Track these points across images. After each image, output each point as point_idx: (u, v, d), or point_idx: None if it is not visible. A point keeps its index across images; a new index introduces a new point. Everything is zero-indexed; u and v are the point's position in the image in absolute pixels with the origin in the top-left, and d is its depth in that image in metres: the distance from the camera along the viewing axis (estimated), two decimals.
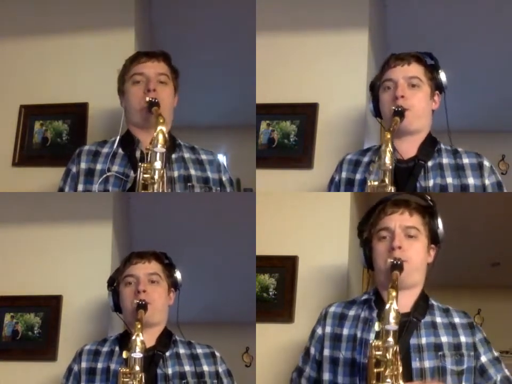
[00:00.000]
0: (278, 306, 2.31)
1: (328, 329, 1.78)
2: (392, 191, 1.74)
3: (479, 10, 2.87)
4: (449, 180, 1.85)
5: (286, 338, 2.21)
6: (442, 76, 1.93)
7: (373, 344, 1.56)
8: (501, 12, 2.84)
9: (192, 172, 2.00)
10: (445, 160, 1.89)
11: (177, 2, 2.86)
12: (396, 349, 1.55)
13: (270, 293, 2.33)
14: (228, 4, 2.80)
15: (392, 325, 1.52)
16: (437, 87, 1.93)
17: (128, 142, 1.98)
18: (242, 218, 2.45)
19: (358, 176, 1.92)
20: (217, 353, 1.93)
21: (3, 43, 2.51)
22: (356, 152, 2.00)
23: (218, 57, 3.10)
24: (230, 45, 2.96)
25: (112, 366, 1.83)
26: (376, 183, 1.74)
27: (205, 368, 1.88)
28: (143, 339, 1.69)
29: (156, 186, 1.80)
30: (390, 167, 1.71)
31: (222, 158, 2.10)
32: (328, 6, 2.45)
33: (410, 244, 1.72)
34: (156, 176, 1.79)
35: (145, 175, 1.81)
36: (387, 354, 1.54)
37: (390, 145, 1.72)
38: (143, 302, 1.82)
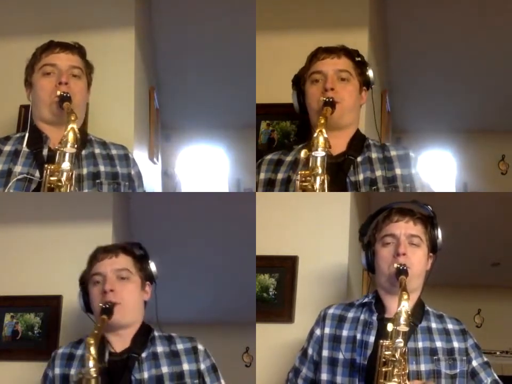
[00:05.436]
0: (278, 306, 2.31)
1: (327, 330, 1.78)
2: (325, 180, 1.69)
3: (480, 11, 2.87)
4: (378, 173, 1.87)
5: (286, 338, 2.20)
6: (370, 72, 1.94)
7: (383, 344, 1.57)
8: (501, 12, 2.84)
9: (102, 168, 1.90)
10: (373, 155, 1.89)
11: (177, 2, 2.86)
12: (405, 349, 1.57)
13: (270, 293, 2.33)
14: (228, 3, 2.81)
15: (403, 326, 1.54)
16: (365, 83, 1.94)
17: (35, 139, 1.85)
18: (242, 218, 2.45)
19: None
20: (200, 347, 1.77)
21: (3, 43, 2.51)
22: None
23: (218, 57, 3.10)
24: (230, 45, 2.96)
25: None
26: (307, 171, 1.69)
27: (185, 366, 1.73)
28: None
29: (63, 189, 1.66)
30: (324, 153, 1.68)
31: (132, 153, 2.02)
32: (328, 6, 2.46)
33: (413, 252, 1.73)
34: (64, 178, 1.66)
35: (51, 178, 1.67)
36: (396, 354, 1.55)
37: (324, 130, 1.69)
38: (108, 305, 1.67)
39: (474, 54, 3.07)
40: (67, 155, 1.66)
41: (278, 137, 2.40)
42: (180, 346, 1.77)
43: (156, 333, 1.79)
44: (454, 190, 3.53)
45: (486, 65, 3.14)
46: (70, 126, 1.67)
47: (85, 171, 1.86)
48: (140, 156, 2.58)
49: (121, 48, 2.47)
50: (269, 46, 2.41)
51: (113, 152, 1.96)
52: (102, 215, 2.35)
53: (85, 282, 1.81)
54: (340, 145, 1.88)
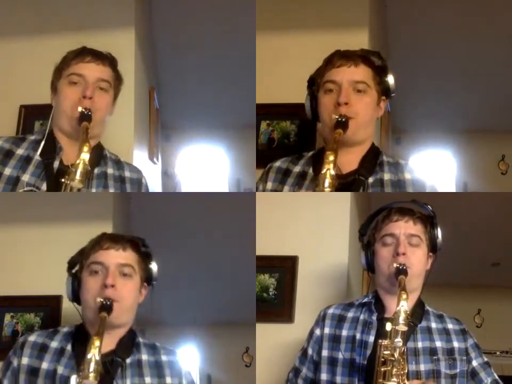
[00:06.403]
0: (278, 306, 2.31)
1: (326, 330, 1.77)
2: None
3: (480, 11, 2.88)
4: None
5: (286, 338, 2.21)
6: (391, 79, 1.78)
7: (382, 343, 1.57)
8: (501, 12, 2.85)
9: (111, 190, 1.83)
10: (386, 176, 1.78)
11: (177, 2, 2.87)
12: (404, 349, 1.56)
13: (270, 293, 2.33)
14: (228, 3, 2.81)
15: (402, 326, 1.54)
16: (384, 91, 1.78)
17: (49, 148, 1.77)
18: (242, 218, 2.45)
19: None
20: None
21: (3, 43, 2.51)
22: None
23: (218, 57, 3.10)
24: (230, 45, 2.96)
25: (60, 370, 1.58)
26: None
27: (168, 380, 1.64)
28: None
29: None
30: (329, 190, 1.58)
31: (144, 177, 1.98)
32: (328, 6, 2.46)
33: (413, 252, 1.72)
34: None
35: None
36: (395, 354, 1.55)
37: (331, 167, 1.58)
38: (109, 302, 1.55)
39: (474, 54, 3.07)
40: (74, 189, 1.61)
41: (278, 137, 2.40)
42: (164, 358, 1.68)
43: (140, 339, 1.70)
44: (454, 190, 3.53)
45: (486, 65, 3.14)
46: (82, 157, 1.59)
47: (94, 191, 1.79)
48: (140, 156, 2.58)
49: (121, 48, 2.46)
50: (269, 46, 2.41)
51: (126, 174, 1.87)
52: (102, 215, 2.35)
53: (77, 267, 1.69)
54: (352, 161, 1.77)
